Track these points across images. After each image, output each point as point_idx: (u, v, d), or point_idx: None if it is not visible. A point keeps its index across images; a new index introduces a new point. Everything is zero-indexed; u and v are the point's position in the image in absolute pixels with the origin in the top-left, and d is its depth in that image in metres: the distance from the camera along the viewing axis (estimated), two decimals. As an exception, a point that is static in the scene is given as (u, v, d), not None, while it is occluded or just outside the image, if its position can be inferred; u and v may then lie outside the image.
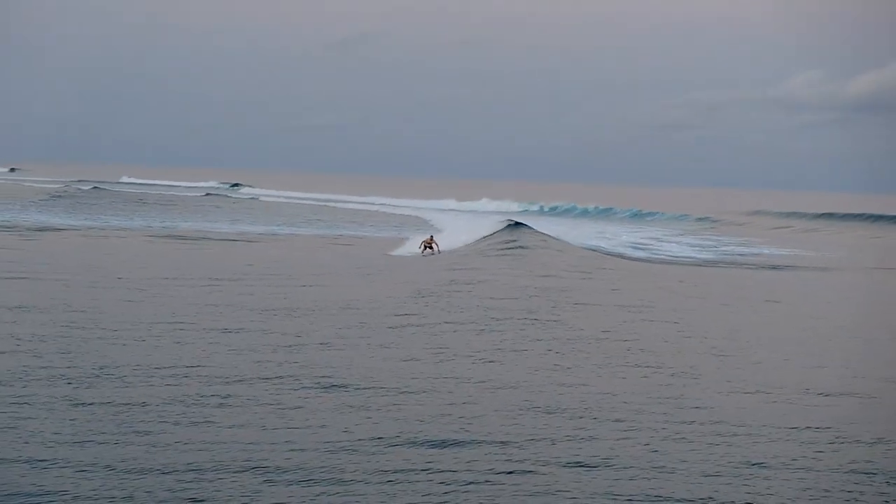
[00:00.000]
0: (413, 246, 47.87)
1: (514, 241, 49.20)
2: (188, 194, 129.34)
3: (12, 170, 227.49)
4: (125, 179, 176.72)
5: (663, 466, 13.02)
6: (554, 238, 54.55)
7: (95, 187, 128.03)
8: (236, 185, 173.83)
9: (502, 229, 55.04)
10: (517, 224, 57.49)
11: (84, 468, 12.13)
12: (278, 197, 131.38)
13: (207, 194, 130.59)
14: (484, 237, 52.66)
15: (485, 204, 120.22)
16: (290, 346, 20.36)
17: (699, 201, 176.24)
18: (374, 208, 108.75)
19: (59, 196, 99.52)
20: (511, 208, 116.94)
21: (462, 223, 57.93)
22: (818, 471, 13.11)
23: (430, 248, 46.64)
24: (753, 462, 13.37)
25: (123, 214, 75.34)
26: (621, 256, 51.46)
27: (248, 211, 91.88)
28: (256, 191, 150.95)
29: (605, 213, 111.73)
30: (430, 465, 12.76)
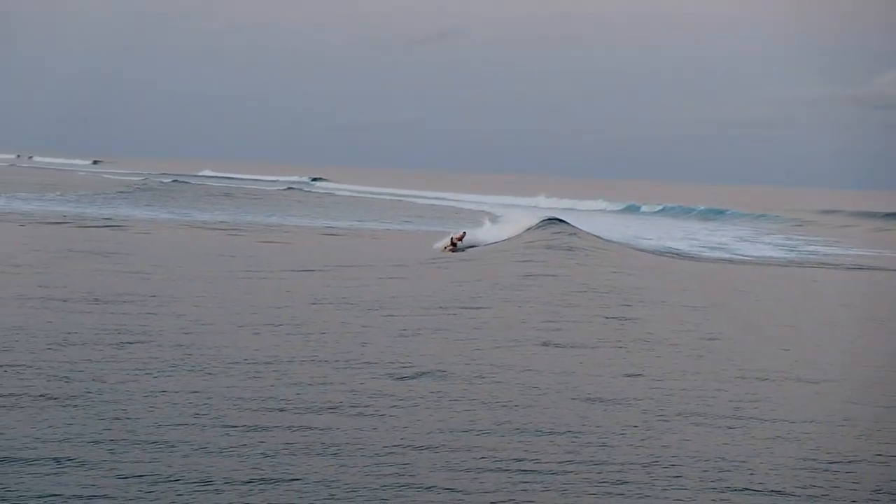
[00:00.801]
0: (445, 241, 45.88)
1: (557, 240, 47.12)
2: (269, 188, 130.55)
3: (95, 162, 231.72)
4: (206, 173, 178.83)
5: (726, 460, 13.10)
6: (597, 236, 53.03)
7: (175, 180, 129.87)
8: (316, 179, 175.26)
9: (537, 226, 52.67)
10: (555, 220, 54.89)
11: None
12: (357, 192, 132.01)
13: (289, 188, 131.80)
14: (520, 234, 50.77)
15: (577, 203, 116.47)
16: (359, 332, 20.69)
17: (778, 199, 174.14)
18: (451, 204, 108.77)
19: (142, 188, 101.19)
20: (598, 206, 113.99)
21: (522, 219, 56.58)
22: None
23: (455, 245, 44.36)
24: (810, 458, 13.41)
25: (204, 207, 76.39)
26: (697, 258, 51.08)
27: (329, 206, 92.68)
28: (335, 185, 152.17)
29: (684, 212, 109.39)
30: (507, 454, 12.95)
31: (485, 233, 50.98)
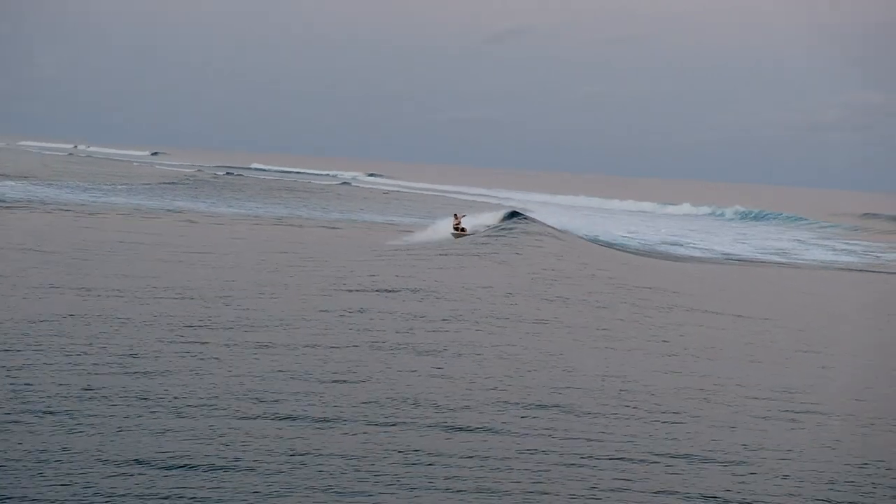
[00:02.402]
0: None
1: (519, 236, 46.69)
2: (320, 182, 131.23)
3: (154, 153, 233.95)
4: (256, 166, 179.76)
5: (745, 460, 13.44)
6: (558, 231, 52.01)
7: (228, 172, 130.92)
8: (372, 174, 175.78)
9: (504, 220, 52.41)
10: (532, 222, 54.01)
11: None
12: (405, 188, 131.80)
13: (343, 183, 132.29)
14: (492, 227, 50.35)
15: (659, 208, 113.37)
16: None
17: (853, 204, 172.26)
18: (495, 201, 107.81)
19: (196, 180, 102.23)
20: (681, 210, 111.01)
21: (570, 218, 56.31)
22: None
23: (460, 229, 46.79)
24: (824, 444, 13.70)
25: (257, 200, 77.08)
26: (763, 262, 50.98)
27: (368, 200, 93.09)
28: (385, 181, 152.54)
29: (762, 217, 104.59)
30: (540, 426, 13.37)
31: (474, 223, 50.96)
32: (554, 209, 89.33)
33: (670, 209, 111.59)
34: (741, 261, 50.40)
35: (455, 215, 48.98)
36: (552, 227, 52.30)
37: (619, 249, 50.17)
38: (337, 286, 27.31)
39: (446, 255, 38.00)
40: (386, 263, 34.18)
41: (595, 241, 53.31)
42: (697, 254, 52.99)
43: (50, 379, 15.06)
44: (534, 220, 53.50)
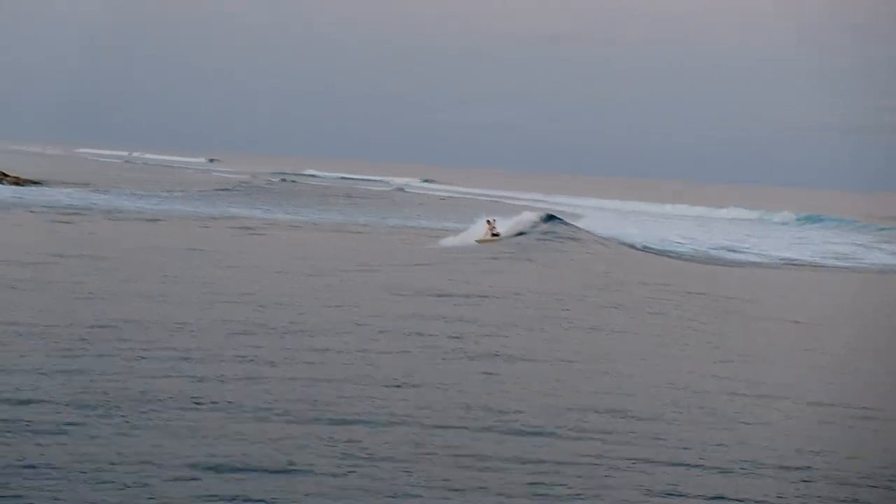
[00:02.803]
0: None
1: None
2: (373, 188, 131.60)
3: (211, 160, 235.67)
4: (310, 172, 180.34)
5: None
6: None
7: (283, 179, 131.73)
8: (427, 180, 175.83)
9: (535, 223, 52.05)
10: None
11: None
12: (457, 192, 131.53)
13: (399, 189, 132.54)
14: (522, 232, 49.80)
15: (711, 211, 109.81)
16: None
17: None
18: (542, 205, 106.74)
19: (250, 187, 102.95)
20: (731, 214, 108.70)
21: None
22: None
23: (494, 234, 46.22)
24: (886, 450, 13.57)
25: (312, 207, 77.55)
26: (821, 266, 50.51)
27: (422, 205, 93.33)
28: (439, 186, 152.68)
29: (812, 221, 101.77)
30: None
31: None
32: (607, 214, 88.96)
33: (722, 213, 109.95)
34: (801, 265, 49.94)
35: (488, 221, 47.92)
36: (590, 233, 51.90)
37: (671, 256, 49.81)
38: (391, 291, 27.43)
39: (497, 258, 38.08)
40: (437, 268, 34.28)
41: (644, 246, 52.85)
42: (754, 258, 52.55)
43: (108, 383, 15.25)
44: (573, 225, 53.12)
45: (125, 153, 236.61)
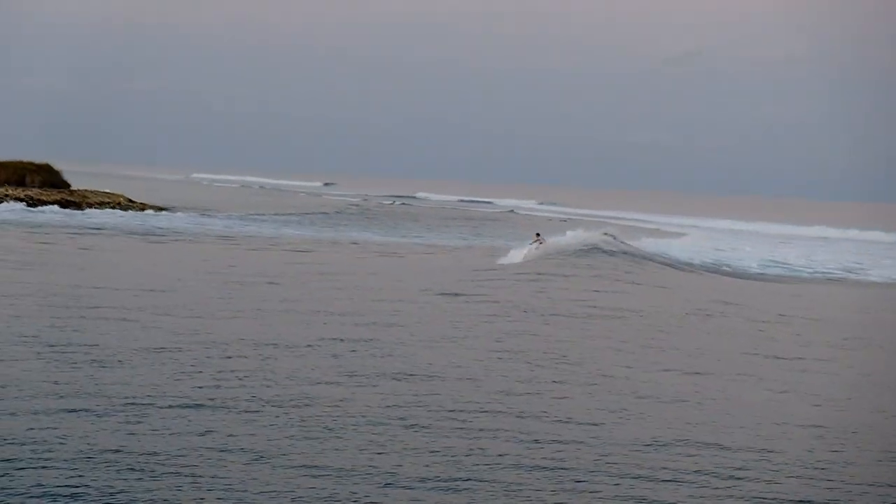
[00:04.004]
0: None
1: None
2: (487, 210, 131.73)
3: (327, 184, 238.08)
4: (421, 195, 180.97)
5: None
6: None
7: (394, 201, 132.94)
8: (542, 203, 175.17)
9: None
10: None
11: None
12: (568, 214, 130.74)
13: (510, 211, 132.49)
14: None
15: (799, 229, 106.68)
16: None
17: None
18: (650, 226, 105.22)
19: (361, 209, 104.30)
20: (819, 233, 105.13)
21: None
22: None
23: (540, 242, 49.01)
24: None
25: (432, 229, 78.28)
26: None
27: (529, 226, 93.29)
28: (553, 208, 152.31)
29: None
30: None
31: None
32: (709, 233, 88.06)
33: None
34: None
35: (536, 234, 50.49)
36: (635, 252, 51.17)
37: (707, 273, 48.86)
38: (500, 313, 27.89)
39: (583, 275, 38.22)
40: (515, 285, 34.43)
41: (688, 263, 51.53)
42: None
43: (226, 397, 16.08)
44: (625, 243, 52.43)
45: (242, 178, 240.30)
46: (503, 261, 45.66)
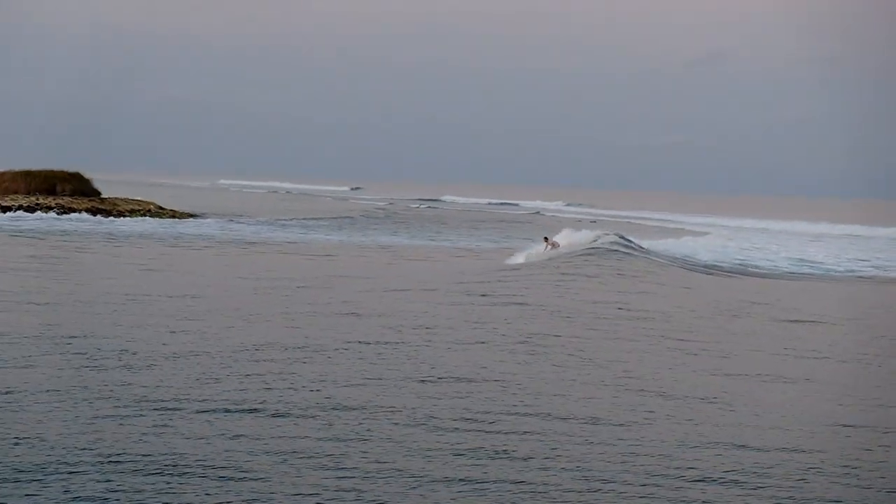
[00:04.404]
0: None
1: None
2: (514, 212, 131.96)
3: (354, 188, 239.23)
4: (447, 198, 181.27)
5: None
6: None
7: (421, 205, 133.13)
8: (569, 204, 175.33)
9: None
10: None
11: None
12: (593, 214, 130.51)
13: (537, 213, 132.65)
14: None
15: (833, 227, 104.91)
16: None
17: None
18: (674, 225, 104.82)
19: (389, 212, 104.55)
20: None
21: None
22: None
23: (552, 245, 50.04)
24: None
25: (461, 232, 78.46)
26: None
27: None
28: (576, 209, 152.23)
29: None
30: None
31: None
32: (730, 232, 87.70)
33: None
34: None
35: (545, 238, 51.25)
36: (645, 252, 51.14)
37: (712, 273, 48.76)
38: (526, 315, 27.91)
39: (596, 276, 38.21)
40: (546, 286, 34.56)
41: (699, 263, 51.34)
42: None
43: (253, 400, 16.16)
44: (634, 244, 52.55)
45: (269, 183, 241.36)
46: (516, 261, 46.28)
